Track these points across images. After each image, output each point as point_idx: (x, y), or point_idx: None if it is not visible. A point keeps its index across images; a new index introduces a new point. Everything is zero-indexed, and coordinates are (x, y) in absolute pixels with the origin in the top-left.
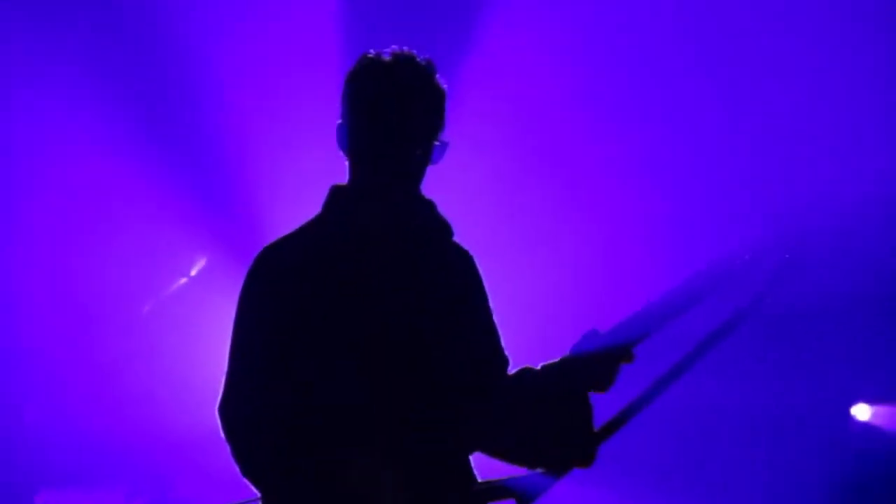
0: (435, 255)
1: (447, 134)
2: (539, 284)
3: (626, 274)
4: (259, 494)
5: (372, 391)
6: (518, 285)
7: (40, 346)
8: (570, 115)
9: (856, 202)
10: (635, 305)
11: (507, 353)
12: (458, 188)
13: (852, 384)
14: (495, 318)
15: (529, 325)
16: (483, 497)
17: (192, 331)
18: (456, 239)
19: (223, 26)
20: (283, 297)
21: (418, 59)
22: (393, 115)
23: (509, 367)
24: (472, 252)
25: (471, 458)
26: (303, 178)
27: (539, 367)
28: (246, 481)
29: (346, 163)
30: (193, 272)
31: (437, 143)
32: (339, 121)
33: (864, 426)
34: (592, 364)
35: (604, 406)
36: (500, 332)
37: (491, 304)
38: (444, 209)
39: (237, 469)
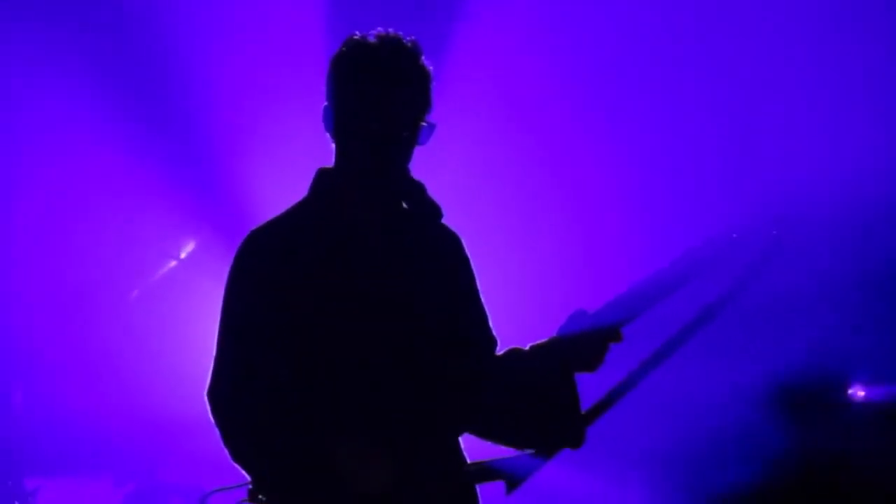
0: (424, 236)
1: (434, 115)
2: (526, 265)
3: (614, 254)
4: (249, 478)
5: (362, 373)
6: (505, 267)
7: (28, 331)
8: (557, 98)
9: (845, 185)
10: (623, 285)
11: (495, 333)
12: (445, 170)
13: (847, 367)
14: (483, 300)
15: (517, 306)
16: (473, 478)
17: (181, 314)
18: (444, 221)
19: (209, 8)
20: (273, 280)
21: (404, 41)
22: (379, 96)
23: (497, 348)
24: (459, 234)
25: (460, 440)
26: (289, 161)
27: (527, 348)
28: (236, 465)
29: (332, 145)
30: (182, 255)
31: (423, 124)
32: (325, 103)
33: (861, 407)
34: (580, 344)
35: (593, 387)
36: (489, 313)
37: (479, 285)
38: (432, 191)
39: (227, 453)
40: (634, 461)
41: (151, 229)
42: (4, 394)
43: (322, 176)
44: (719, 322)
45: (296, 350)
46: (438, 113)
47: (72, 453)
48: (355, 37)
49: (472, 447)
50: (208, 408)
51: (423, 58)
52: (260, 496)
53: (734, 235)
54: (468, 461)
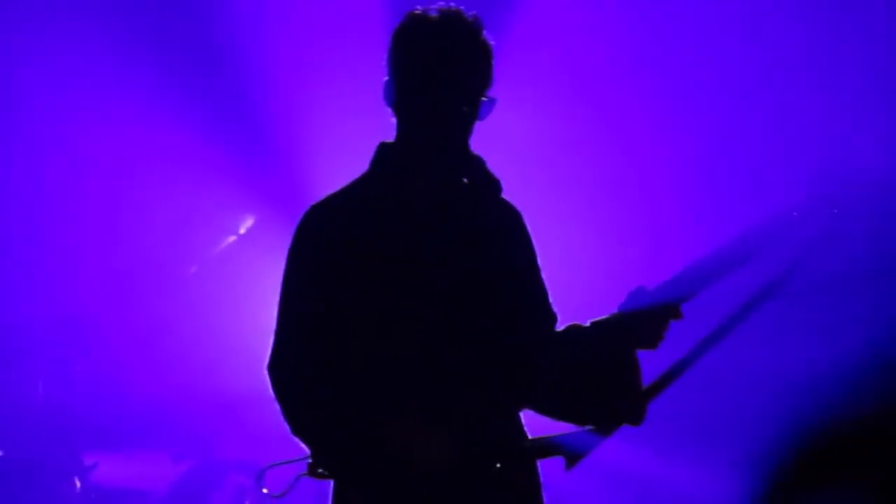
0: (486, 211)
1: (494, 91)
2: (586, 240)
3: (676, 231)
4: (309, 452)
5: (427, 347)
6: (565, 242)
7: (88, 307)
8: (619, 74)
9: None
10: (684, 263)
11: (555, 309)
12: (505, 145)
13: None
14: (543, 275)
15: (577, 282)
16: (532, 454)
17: (241, 290)
18: (504, 195)
19: None
20: (334, 254)
21: (465, 15)
22: (441, 71)
23: (557, 324)
24: (519, 208)
25: (521, 415)
26: (350, 136)
27: (587, 324)
28: (297, 440)
29: (393, 120)
30: (242, 230)
31: (484, 99)
32: (386, 78)
33: None
34: (640, 321)
35: (653, 363)
36: (548, 288)
37: (539, 260)
38: (492, 166)
39: (287, 428)
40: (692, 438)
41: (211, 205)
42: (65, 368)
43: (382, 150)
44: (780, 301)
45: (356, 324)
46: (499, 88)
47: (130, 429)
48: (416, 11)
49: (531, 423)
50: (269, 382)
51: (484, 32)
52: (319, 470)
53: (794, 214)
54: (528, 437)
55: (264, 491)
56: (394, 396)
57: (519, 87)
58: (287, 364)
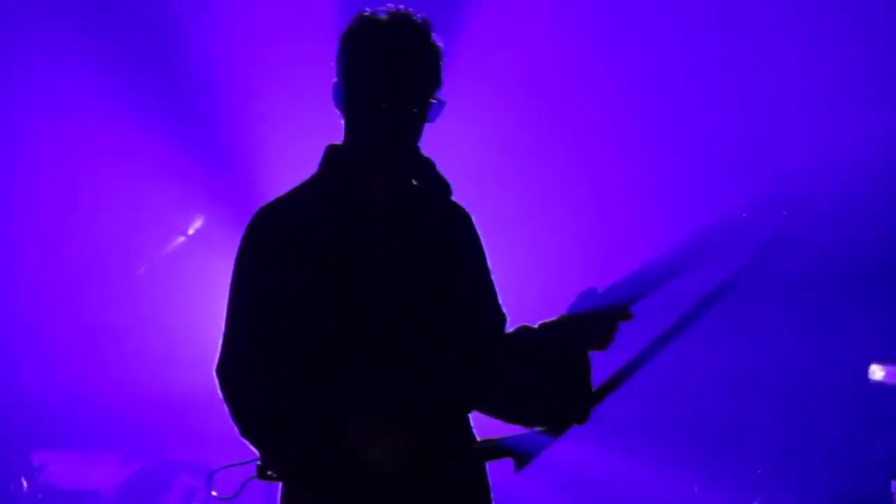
0: (433, 213)
1: (443, 92)
2: (535, 242)
3: (625, 232)
4: (258, 454)
5: (377, 348)
6: (514, 244)
7: (37, 307)
8: (567, 75)
9: (860, 168)
10: (634, 265)
11: (504, 310)
12: (454, 147)
13: (867, 346)
14: (492, 276)
15: (526, 283)
16: (481, 456)
17: (190, 290)
18: (453, 198)
19: None
20: (283, 256)
21: (414, 17)
22: (389, 72)
23: (507, 325)
24: (469, 211)
25: (470, 417)
26: (299, 137)
27: (537, 325)
28: (245, 441)
29: (342, 122)
30: (191, 231)
31: (433, 101)
32: (335, 79)
33: (880, 386)
34: (591, 322)
35: (602, 365)
36: (498, 290)
37: (488, 262)
38: (441, 168)
39: (236, 430)
40: (645, 439)
41: (160, 205)
42: (13, 369)
43: (331, 152)
44: (728, 303)
45: (304, 326)
46: (448, 90)
47: (79, 430)
48: (365, 12)
49: (481, 425)
50: (217, 384)
51: (433, 34)
52: (269, 472)
53: (744, 216)
54: (477, 439)
55: (213, 494)
56: (343, 397)
57: (469, 88)
58: (235, 366)
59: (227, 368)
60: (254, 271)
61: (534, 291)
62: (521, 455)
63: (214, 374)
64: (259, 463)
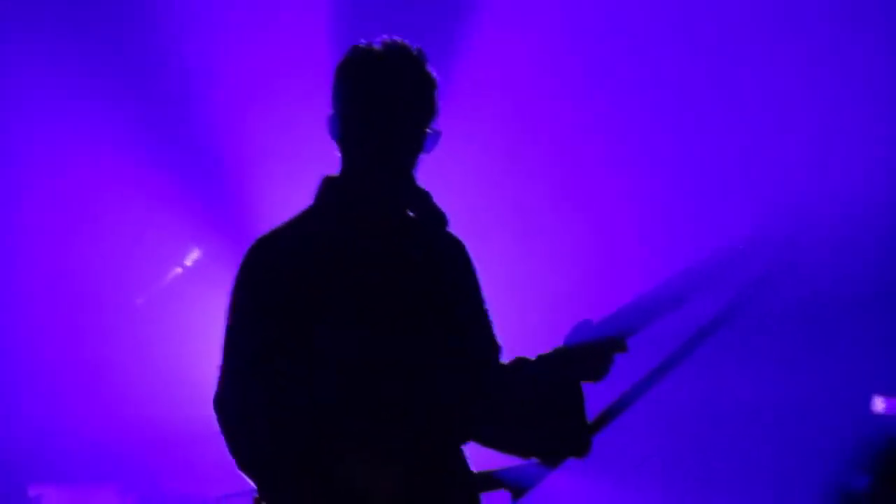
0: (429, 244)
1: (439, 124)
2: (531, 274)
3: (619, 265)
4: (255, 487)
5: (367, 382)
6: (510, 275)
7: (31, 339)
8: (564, 108)
9: (858, 196)
10: (629, 296)
11: (499, 341)
12: (449, 179)
13: (867, 377)
14: (488, 307)
15: (522, 315)
16: (477, 488)
17: (187, 322)
18: (449, 229)
19: (213, 16)
20: (279, 288)
21: (409, 48)
22: (384, 104)
23: (502, 356)
24: (464, 242)
25: (465, 448)
26: (295, 169)
27: (533, 358)
28: (242, 475)
29: (338, 153)
30: (188, 263)
31: (429, 131)
32: (331, 111)
33: (883, 418)
34: (586, 354)
35: (598, 397)
36: (493, 321)
37: (484, 293)
38: (438, 199)
39: (234, 462)
40: (642, 471)
41: (156, 237)
42: (9, 400)
43: (327, 184)
44: (726, 334)
45: (301, 358)
46: (444, 121)
47: (76, 461)
48: (360, 44)
49: (477, 456)
50: (215, 416)
51: (428, 65)
52: None
53: (740, 247)
54: (473, 470)
55: None
56: (341, 430)
57: (465, 119)
58: (233, 398)
59: (225, 400)
60: (249, 302)
61: (529, 322)
62: (517, 486)
63: (212, 406)
64: (256, 495)
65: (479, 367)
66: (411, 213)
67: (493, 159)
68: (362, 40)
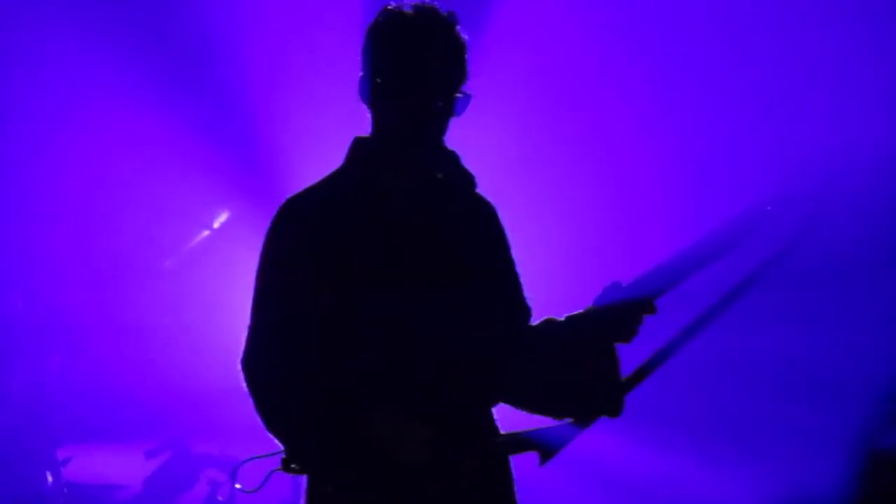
0: (458, 205)
1: (469, 86)
2: (561, 235)
3: (650, 225)
4: (283, 447)
5: (397, 342)
6: (540, 236)
7: (62, 300)
8: (595, 69)
9: (882, 159)
10: (659, 257)
11: (529, 303)
12: (480, 140)
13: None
14: (517, 269)
15: (551, 276)
16: (506, 449)
17: (215, 284)
18: (478, 190)
19: None
20: (309, 247)
21: (440, 11)
22: (415, 66)
23: (531, 318)
24: (494, 203)
25: (494, 410)
26: (325, 130)
27: (563, 318)
28: (270, 435)
29: (368, 115)
30: (216, 225)
31: (459, 95)
32: (361, 73)
33: None
34: (616, 315)
35: (631, 356)
36: (523, 282)
37: (513, 254)
38: (467, 161)
39: (260, 423)
40: (673, 429)
41: (185, 199)
42: (39, 362)
43: (357, 144)
44: (756, 293)
45: (331, 319)
46: (474, 84)
47: (104, 423)
48: (391, 6)
49: (504, 418)
50: (242, 376)
51: (458, 28)
52: (293, 465)
53: (769, 208)
54: (500, 431)
55: (237, 486)
56: (370, 391)
57: (495, 82)
58: (261, 359)
59: (252, 361)
60: (280, 263)
61: (559, 284)
62: (545, 448)
63: (239, 366)
64: (283, 456)
65: (509, 328)
66: (440, 175)
67: (523, 120)
68: (392, 3)
